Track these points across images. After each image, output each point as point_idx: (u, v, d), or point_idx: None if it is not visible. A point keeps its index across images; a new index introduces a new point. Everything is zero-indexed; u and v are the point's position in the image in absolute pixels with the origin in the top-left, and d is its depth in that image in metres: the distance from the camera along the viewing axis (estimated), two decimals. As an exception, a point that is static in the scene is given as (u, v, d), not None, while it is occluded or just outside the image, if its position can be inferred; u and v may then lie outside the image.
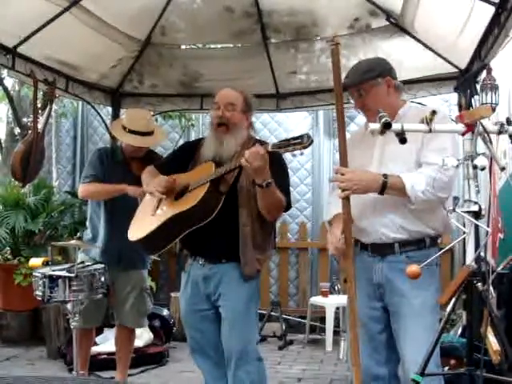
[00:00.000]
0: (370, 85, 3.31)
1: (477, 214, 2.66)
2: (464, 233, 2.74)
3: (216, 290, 3.63)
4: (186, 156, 3.86)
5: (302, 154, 3.24)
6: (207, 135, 3.84)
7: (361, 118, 7.68)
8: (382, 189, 3.08)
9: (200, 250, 3.69)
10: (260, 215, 3.55)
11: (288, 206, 3.62)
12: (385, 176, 3.07)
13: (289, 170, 3.88)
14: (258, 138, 3.91)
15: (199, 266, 3.68)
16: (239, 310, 3.60)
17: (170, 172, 3.77)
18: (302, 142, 3.08)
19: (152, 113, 7.31)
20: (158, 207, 3.71)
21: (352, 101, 3.42)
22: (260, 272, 3.68)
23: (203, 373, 3.85)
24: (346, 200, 3.10)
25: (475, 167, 2.66)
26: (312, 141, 3.10)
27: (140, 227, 3.73)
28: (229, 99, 3.66)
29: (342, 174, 3.10)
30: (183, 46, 6.64)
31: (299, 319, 8.00)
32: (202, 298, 3.68)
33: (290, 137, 3.20)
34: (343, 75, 3.25)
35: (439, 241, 3.33)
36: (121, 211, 4.75)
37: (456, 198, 2.87)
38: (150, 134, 4.89)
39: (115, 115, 6.91)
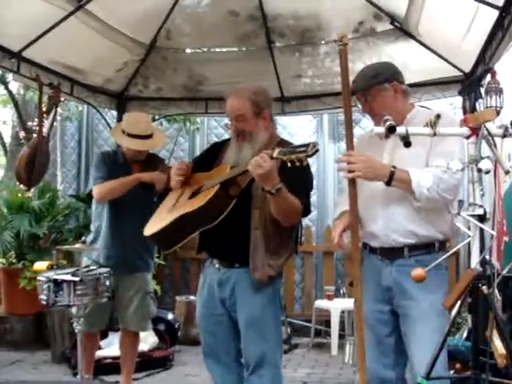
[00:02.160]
0: (376, 90, 3.31)
1: (481, 218, 2.66)
2: (469, 236, 2.74)
3: (231, 296, 3.56)
4: (212, 156, 3.79)
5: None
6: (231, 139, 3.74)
7: (366, 122, 7.72)
8: (390, 179, 3.07)
9: (217, 253, 3.65)
10: (275, 219, 3.42)
11: (306, 211, 3.51)
12: (393, 167, 3.07)
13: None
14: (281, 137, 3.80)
15: (215, 270, 3.63)
16: (254, 316, 3.51)
17: (196, 171, 3.73)
18: (306, 150, 3.01)
19: (157, 116, 7.34)
20: (174, 204, 3.67)
21: (359, 105, 3.41)
22: (275, 278, 3.53)
23: (214, 378, 3.76)
24: (352, 188, 3.07)
25: (480, 170, 2.66)
26: (317, 150, 3.01)
27: (155, 222, 3.69)
28: (236, 111, 3.54)
29: (351, 157, 3.08)
30: (188, 50, 6.64)
31: (304, 323, 7.99)
32: (217, 303, 3.61)
33: (297, 143, 3.15)
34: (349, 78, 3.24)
35: (447, 245, 3.32)
36: (125, 215, 4.77)
37: (461, 202, 2.87)
38: (148, 137, 4.91)
39: (120, 119, 6.91)
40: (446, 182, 3.03)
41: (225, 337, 3.65)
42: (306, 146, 3.03)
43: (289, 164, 3.05)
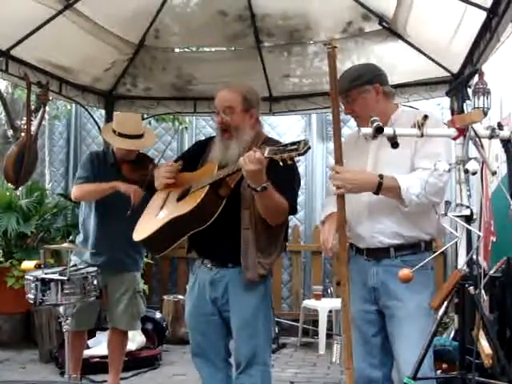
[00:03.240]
0: (357, 92, 3.32)
1: (468, 218, 2.68)
2: (456, 237, 2.75)
3: (223, 295, 3.55)
4: (197, 155, 3.78)
5: (297, 161, 3.22)
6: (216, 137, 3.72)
7: (354, 122, 7.71)
8: (377, 189, 3.09)
9: (207, 253, 3.63)
10: (264, 218, 3.43)
11: (293, 210, 3.51)
12: (380, 177, 3.07)
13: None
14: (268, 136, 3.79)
15: (207, 270, 3.61)
16: (246, 317, 3.51)
17: (181, 170, 3.71)
18: (297, 148, 2.99)
19: (145, 115, 7.33)
20: (162, 207, 3.65)
21: (342, 106, 3.43)
22: (266, 277, 3.54)
23: (202, 377, 3.76)
24: (340, 200, 3.09)
25: (467, 171, 2.67)
26: (309, 147, 3.01)
27: (144, 228, 3.68)
28: (226, 102, 3.53)
29: (337, 173, 3.10)
30: (177, 49, 6.63)
31: (292, 322, 8.00)
32: (208, 302, 3.60)
33: (288, 141, 3.11)
34: (337, 79, 3.26)
35: (434, 245, 3.34)
36: (113, 214, 4.77)
37: (448, 203, 2.88)
38: (139, 136, 4.93)
39: (108, 118, 6.91)
40: (434, 186, 3.03)
41: (215, 336, 3.65)
42: (297, 143, 3.01)
43: (281, 163, 3.04)
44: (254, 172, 3.15)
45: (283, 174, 3.33)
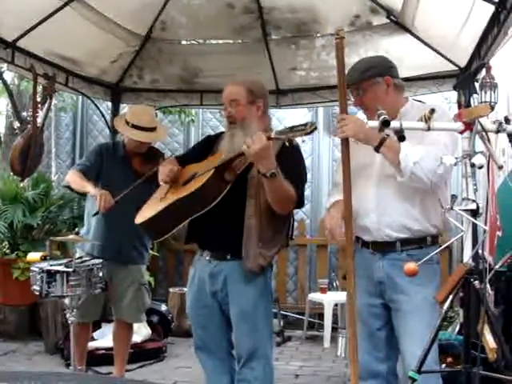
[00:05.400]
0: (368, 84, 3.31)
1: (474, 212, 2.67)
2: (462, 231, 2.75)
3: (223, 288, 3.54)
4: (205, 149, 3.77)
5: (303, 141, 3.24)
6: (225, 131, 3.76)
7: (361, 115, 7.70)
8: (380, 144, 3.06)
9: (207, 242, 3.62)
10: (270, 209, 3.42)
11: (300, 202, 3.50)
12: (387, 135, 3.06)
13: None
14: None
15: (206, 262, 3.60)
16: (246, 309, 3.50)
17: (188, 164, 3.71)
18: (304, 128, 3.03)
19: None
20: (167, 193, 3.65)
21: (352, 98, 3.42)
22: (266, 269, 3.52)
23: (206, 370, 3.76)
24: (347, 192, 3.07)
25: (473, 165, 2.66)
26: (315, 128, 3.04)
27: (145, 211, 3.68)
28: (231, 96, 3.57)
29: (344, 119, 3.09)
30: (183, 42, 6.64)
31: (297, 315, 8.01)
32: (208, 295, 3.60)
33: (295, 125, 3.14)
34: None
35: (439, 239, 3.33)
36: (120, 206, 4.76)
37: (454, 196, 2.88)
38: (152, 129, 4.91)
39: (115, 110, 6.93)
40: (432, 163, 2.98)
41: (216, 330, 3.64)
42: (304, 125, 3.05)
43: (286, 143, 3.08)
44: (260, 154, 3.15)
45: (292, 165, 3.38)
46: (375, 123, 2.79)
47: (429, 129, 2.77)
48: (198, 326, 3.71)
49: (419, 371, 2.66)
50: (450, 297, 2.67)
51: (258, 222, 3.44)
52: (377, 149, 3.08)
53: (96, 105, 7.18)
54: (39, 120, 5.48)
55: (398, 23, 5.51)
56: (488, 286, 2.77)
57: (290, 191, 3.38)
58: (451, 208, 2.76)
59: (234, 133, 3.55)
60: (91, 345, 5.57)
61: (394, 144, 3.04)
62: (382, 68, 3.35)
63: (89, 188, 4.73)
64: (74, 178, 4.87)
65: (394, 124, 2.77)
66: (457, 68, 5.69)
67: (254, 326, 3.51)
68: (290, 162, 3.36)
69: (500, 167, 2.90)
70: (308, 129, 3.03)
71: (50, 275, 4.33)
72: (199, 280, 3.65)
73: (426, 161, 3.01)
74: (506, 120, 2.73)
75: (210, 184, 3.38)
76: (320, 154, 8.49)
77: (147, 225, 3.63)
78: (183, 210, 3.47)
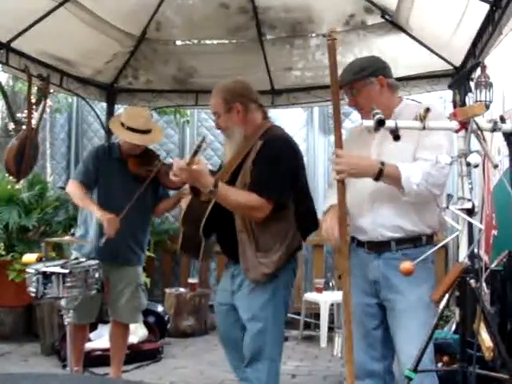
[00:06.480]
0: (361, 84, 3.32)
1: (470, 211, 2.67)
2: (458, 230, 2.75)
3: (238, 289, 3.61)
4: None
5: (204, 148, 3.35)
6: None
7: (356, 115, 7.69)
8: (378, 175, 3.07)
9: (223, 251, 3.76)
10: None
11: (279, 204, 3.46)
12: (382, 163, 3.05)
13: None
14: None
15: (230, 263, 3.72)
16: (254, 311, 3.53)
17: None
18: (200, 143, 3.12)
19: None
20: None
21: (346, 98, 3.42)
22: (275, 274, 3.49)
23: (230, 363, 3.88)
24: (341, 185, 3.07)
25: (468, 164, 2.67)
26: (203, 140, 3.12)
27: None
28: (212, 109, 3.65)
29: (339, 157, 3.08)
30: (178, 42, 6.62)
31: (294, 315, 7.98)
32: (229, 294, 3.67)
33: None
34: (339, 71, 3.24)
35: (435, 238, 3.33)
36: (116, 207, 4.75)
37: (449, 196, 2.88)
38: (148, 132, 4.91)
39: (110, 111, 6.92)
40: (435, 177, 3.03)
41: (230, 326, 3.73)
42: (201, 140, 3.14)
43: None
44: (189, 180, 3.32)
45: (264, 169, 3.42)
46: (370, 122, 2.79)
47: (424, 128, 2.77)
48: (218, 321, 3.86)
49: (415, 370, 2.66)
50: (446, 296, 2.67)
51: (248, 235, 3.48)
52: (376, 180, 3.09)
53: (91, 106, 7.16)
54: (34, 121, 5.47)
55: (393, 22, 5.51)
56: (484, 284, 2.77)
57: (245, 201, 3.40)
58: (447, 207, 2.76)
59: (226, 142, 3.70)
60: (88, 346, 5.56)
61: (392, 171, 3.06)
62: (375, 68, 3.35)
63: (93, 208, 4.78)
64: (75, 192, 4.91)
65: (389, 123, 2.77)
66: (452, 67, 5.70)
67: (261, 328, 3.53)
68: (262, 166, 3.43)
69: (495, 166, 2.89)
70: (198, 143, 3.12)
71: (46, 277, 4.31)
72: (225, 278, 3.76)
73: (429, 178, 3.02)
74: (501, 119, 2.73)
75: (192, 208, 3.58)
76: (316, 153, 8.49)
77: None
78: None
